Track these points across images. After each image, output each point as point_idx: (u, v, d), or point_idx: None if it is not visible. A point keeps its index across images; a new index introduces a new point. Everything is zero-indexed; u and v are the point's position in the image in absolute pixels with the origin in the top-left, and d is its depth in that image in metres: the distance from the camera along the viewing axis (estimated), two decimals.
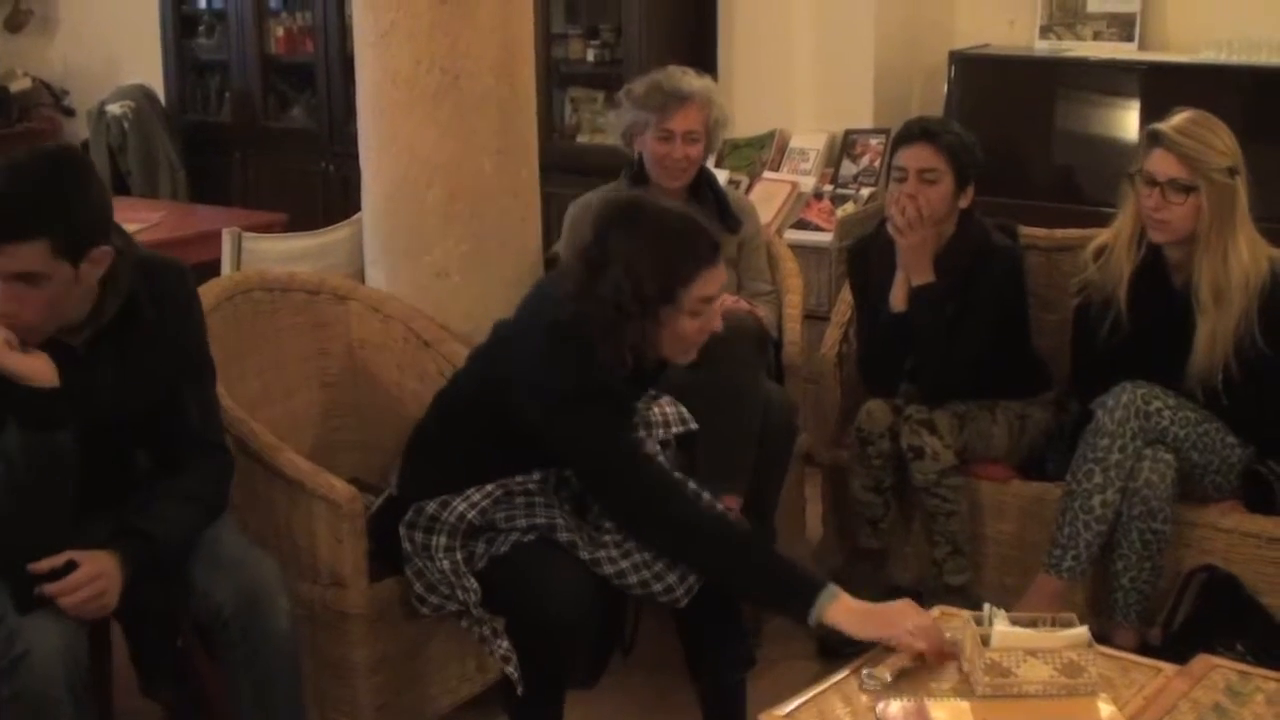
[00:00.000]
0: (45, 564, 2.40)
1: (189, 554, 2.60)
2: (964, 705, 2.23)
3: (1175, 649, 2.90)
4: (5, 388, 2.39)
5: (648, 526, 2.70)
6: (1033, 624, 2.33)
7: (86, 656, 2.45)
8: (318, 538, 2.88)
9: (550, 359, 2.68)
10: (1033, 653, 2.26)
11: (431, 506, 2.80)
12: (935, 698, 2.25)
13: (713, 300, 2.67)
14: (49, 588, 2.39)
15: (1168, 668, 2.40)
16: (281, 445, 2.91)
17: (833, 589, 2.51)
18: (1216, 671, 2.37)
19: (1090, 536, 3.19)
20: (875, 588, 3.54)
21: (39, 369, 2.41)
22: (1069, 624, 2.32)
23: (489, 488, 2.79)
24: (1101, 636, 2.71)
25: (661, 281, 2.60)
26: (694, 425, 2.99)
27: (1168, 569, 3.24)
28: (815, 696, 2.28)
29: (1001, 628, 2.29)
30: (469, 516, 2.76)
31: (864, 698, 2.27)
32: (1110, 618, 3.22)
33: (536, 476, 2.81)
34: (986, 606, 2.37)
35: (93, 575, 2.42)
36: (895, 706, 2.21)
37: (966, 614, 2.40)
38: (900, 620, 2.43)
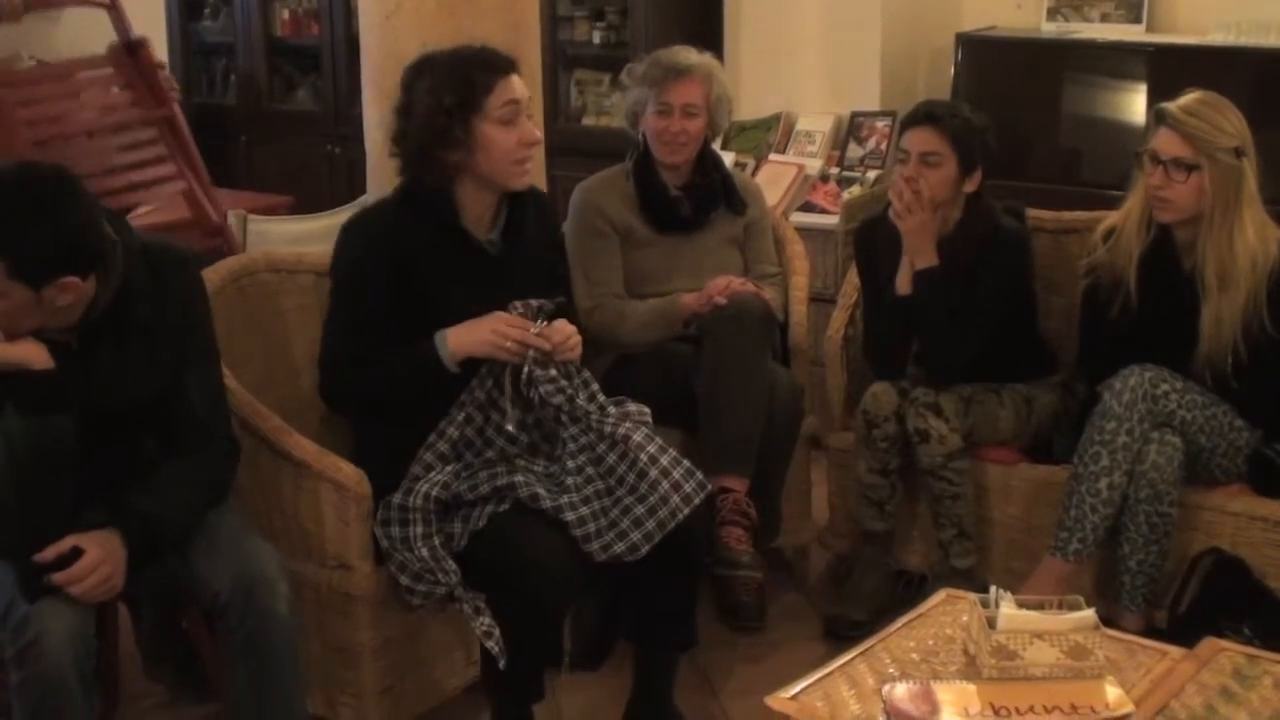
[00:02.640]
0: (50, 552, 2.40)
1: (190, 538, 2.60)
2: (970, 688, 2.22)
3: (1182, 632, 2.90)
4: (1, 374, 2.39)
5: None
6: (1039, 607, 2.32)
7: (94, 640, 2.45)
8: (324, 520, 2.88)
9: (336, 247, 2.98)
10: (1039, 635, 2.25)
11: (397, 497, 2.83)
12: (941, 680, 2.25)
13: (520, 106, 2.88)
14: (57, 577, 2.39)
15: (1174, 651, 2.40)
16: (288, 427, 2.91)
17: (439, 334, 2.82)
18: (1223, 655, 2.37)
19: (1097, 520, 3.18)
20: (881, 570, 3.56)
21: (32, 354, 2.42)
22: (1075, 607, 2.32)
23: (450, 467, 2.82)
24: (1108, 620, 2.70)
25: (463, 92, 2.83)
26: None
27: (1174, 552, 3.23)
28: (821, 679, 2.28)
29: (1008, 610, 2.29)
30: (434, 494, 2.80)
31: (870, 680, 2.27)
32: (1117, 601, 3.22)
33: (481, 423, 2.85)
34: (993, 589, 2.37)
35: (98, 560, 2.42)
36: (901, 689, 2.20)
37: (973, 597, 2.40)
38: (489, 323, 2.80)
